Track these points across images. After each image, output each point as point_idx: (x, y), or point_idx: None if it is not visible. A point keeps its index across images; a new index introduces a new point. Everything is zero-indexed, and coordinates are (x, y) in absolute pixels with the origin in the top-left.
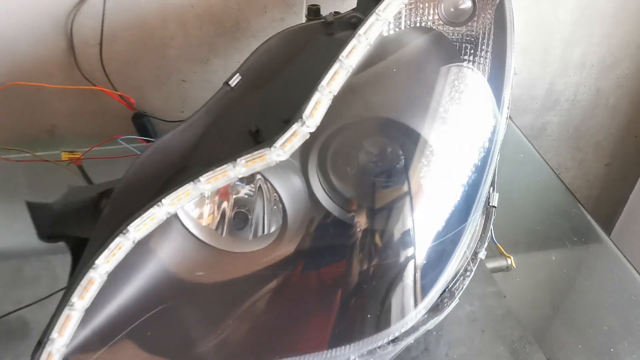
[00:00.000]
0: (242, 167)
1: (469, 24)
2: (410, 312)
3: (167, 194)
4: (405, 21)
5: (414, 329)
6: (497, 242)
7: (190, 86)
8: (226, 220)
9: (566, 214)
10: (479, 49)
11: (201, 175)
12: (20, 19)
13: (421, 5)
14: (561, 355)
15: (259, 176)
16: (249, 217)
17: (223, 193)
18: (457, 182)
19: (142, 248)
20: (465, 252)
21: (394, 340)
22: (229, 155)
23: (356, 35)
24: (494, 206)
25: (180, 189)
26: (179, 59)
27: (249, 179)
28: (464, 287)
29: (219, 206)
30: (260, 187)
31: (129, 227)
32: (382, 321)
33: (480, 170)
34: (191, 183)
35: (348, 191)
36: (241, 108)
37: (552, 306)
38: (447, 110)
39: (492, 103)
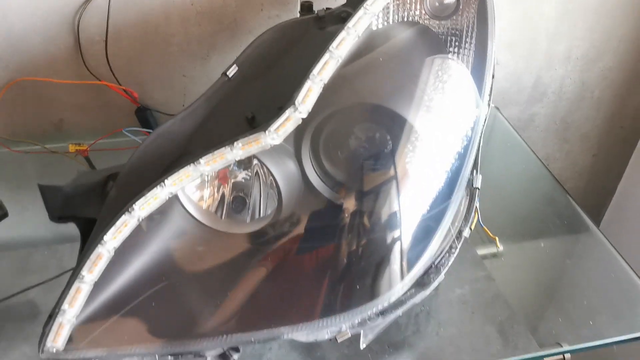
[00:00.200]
0: (239, 149)
1: (454, 17)
2: (396, 285)
3: (169, 175)
4: (393, 16)
5: (401, 302)
6: (484, 225)
7: (190, 81)
8: (225, 204)
9: (554, 204)
10: (463, 41)
11: (201, 157)
12: (30, 18)
13: (408, 0)
14: (542, 327)
15: (255, 161)
16: (247, 200)
17: (222, 177)
18: (440, 163)
19: (146, 229)
20: (450, 229)
21: (383, 313)
22: (227, 139)
23: (345, 28)
24: (477, 188)
25: (181, 171)
26: (180, 55)
27: (246, 164)
28: (449, 263)
29: (218, 190)
30: (257, 172)
31: (134, 206)
32: (370, 293)
33: (462, 152)
34: (192, 165)
35: (339, 174)
36: (238, 97)
37: (538, 288)
38: (431, 98)
39: (473, 91)
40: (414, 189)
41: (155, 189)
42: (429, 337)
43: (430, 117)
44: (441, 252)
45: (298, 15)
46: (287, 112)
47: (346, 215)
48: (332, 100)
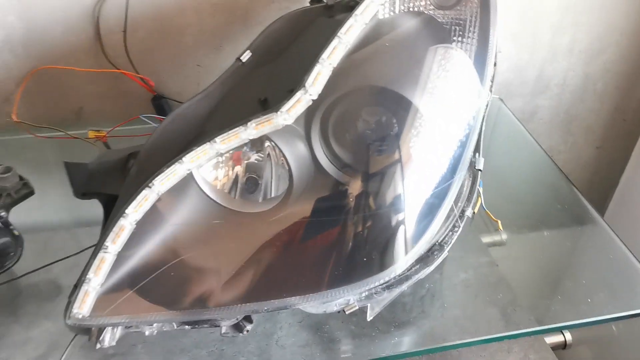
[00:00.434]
0: (252, 129)
1: (457, 8)
2: (401, 259)
3: (187, 153)
4: (399, 6)
5: (406, 277)
6: (486, 209)
7: (204, 70)
8: (239, 184)
9: (558, 194)
10: (467, 30)
11: (217, 136)
12: (52, 9)
13: None
14: (543, 309)
15: (268, 143)
16: (259, 181)
17: (236, 159)
18: (443, 145)
19: (165, 205)
20: (453, 209)
21: (389, 287)
22: (241, 120)
23: (353, 15)
24: (479, 169)
25: (199, 149)
26: (194, 45)
27: (259, 146)
28: (452, 241)
29: (232, 171)
30: (269, 153)
31: (154, 181)
32: (376, 266)
33: (464, 135)
34: (208, 143)
35: (347, 156)
36: (251, 80)
37: (541, 274)
38: (436, 83)
39: (476, 78)
40: (418, 170)
41: (174, 165)
42: (434, 318)
43: (434, 101)
44: (445, 231)
45: (308, 5)
46: (298, 94)
47: (353, 194)
48: (341, 84)
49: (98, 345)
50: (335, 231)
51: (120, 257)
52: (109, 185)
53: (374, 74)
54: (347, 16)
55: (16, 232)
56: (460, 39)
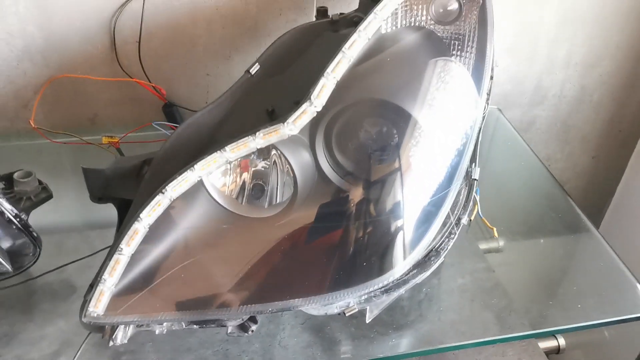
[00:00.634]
0: (260, 139)
1: (457, 23)
2: (399, 264)
3: (199, 161)
4: (401, 20)
5: (404, 281)
6: (484, 218)
7: (213, 79)
8: (246, 191)
9: (554, 203)
10: (465, 45)
11: (227, 145)
12: (71, 20)
13: (415, 7)
14: (535, 309)
15: (274, 151)
16: (265, 188)
17: (244, 166)
18: (441, 155)
19: (176, 211)
20: (449, 216)
21: (387, 290)
22: (250, 130)
23: (357, 31)
24: (475, 179)
25: (209, 157)
26: (204, 55)
27: (265, 154)
28: (449, 247)
29: (239, 177)
30: (275, 161)
31: (167, 187)
32: (375, 270)
33: (461, 146)
34: (218, 152)
35: (349, 164)
36: (259, 92)
37: (537, 281)
38: (435, 95)
39: (473, 90)
40: (416, 178)
41: (185, 172)
42: (431, 321)
43: (433, 113)
44: (441, 237)
45: (314, 19)
46: (304, 106)
47: (355, 201)
48: (344, 96)
49: (111, 343)
50: (336, 236)
51: (134, 259)
52: (123, 190)
53: (376, 87)
54: (351, 31)
55: (35, 234)
56: (459, 52)
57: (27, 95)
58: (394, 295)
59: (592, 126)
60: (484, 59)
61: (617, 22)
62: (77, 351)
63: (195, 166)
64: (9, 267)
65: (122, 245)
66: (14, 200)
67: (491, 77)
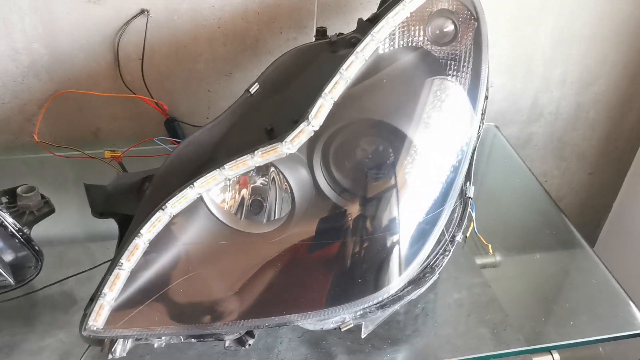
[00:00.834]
0: (259, 157)
1: (453, 44)
2: (394, 280)
3: (198, 178)
4: (399, 41)
5: (399, 297)
6: (480, 235)
7: (215, 95)
8: (244, 206)
9: (549, 219)
10: (461, 65)
11: (226, 163)
12: (75, 37)
13: (411, 28)
14: (526, 324)
15: (272, 168)
16: (264, 204)
17: (243, 182)
18: (436, 174)
19: (176, 226)
20: (444, 234)
21: (382, 306)
22: (249, 148)
23: (354, 53)
24: (470, 197)
25: (208, 175)
26: (206, 71)
27: (264, 171)
28: (443, 264)
29: (238, 194)
30: (273, 178)
31: (167, 204)
32: (370, 287)
33: (456, 164)
34: (217, 170)
35: (346, 182)
36: (259, 111)
37: (532, 296)
38: (430, 115)
39: (468, 110)
40: (411, 196)
41: (185, 189)
42: (427, 335)
43: (429, 133)
44: (436, 254)
45: (313, 39)
46: (302, 125)
47: (351, 218)
48: (342, 116)
49: (110, 356)
50: (333, 252)
51: (134, 274)
52: (124, 206)
53: (372, 107)
54: (349, 52)
55: (37, 247)
56: (455, 72)
57: (32, 110)
58: (389, 311)
59: (589, 143)
60: (479, 78)
61: (612, 41)
62: None
63: (194, 183)
64: (11, 280)
65: (123, 260)
66: (17, 214)
67: (486, 97)
